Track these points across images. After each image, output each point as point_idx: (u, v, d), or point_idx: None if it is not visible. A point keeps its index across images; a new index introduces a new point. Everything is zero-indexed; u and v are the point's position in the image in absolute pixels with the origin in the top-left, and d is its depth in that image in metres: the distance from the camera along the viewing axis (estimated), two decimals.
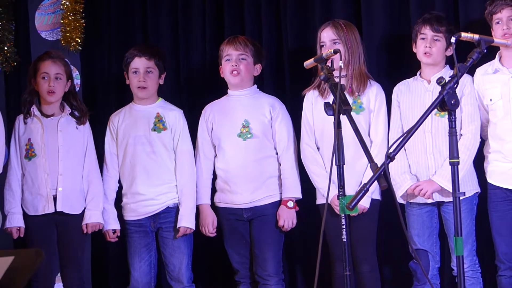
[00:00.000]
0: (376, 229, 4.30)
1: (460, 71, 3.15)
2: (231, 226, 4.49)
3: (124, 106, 4.70)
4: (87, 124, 4.60)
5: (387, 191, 3.40)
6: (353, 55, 4.27)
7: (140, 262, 4.54)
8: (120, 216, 4.58)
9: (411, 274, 4.22)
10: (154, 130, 4.55)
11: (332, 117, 3.27)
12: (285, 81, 4.80)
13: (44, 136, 4.49)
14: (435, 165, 4.14)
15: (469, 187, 4.14)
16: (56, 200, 4.44)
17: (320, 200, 4.35)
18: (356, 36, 4.30)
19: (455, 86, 3.15)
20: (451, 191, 3.18)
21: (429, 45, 4.17)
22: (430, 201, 4.17)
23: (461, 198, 3.18)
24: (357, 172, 4.20)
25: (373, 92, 4.30)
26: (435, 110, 3.18)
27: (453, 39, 3.23)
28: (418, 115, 3.24)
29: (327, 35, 4.30)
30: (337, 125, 3.26)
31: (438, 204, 4.20)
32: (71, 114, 4.58)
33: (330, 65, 3.47)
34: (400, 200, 4.20)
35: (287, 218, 4.41)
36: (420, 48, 4.20)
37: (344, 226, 3.32)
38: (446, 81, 3.16)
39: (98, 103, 5.14)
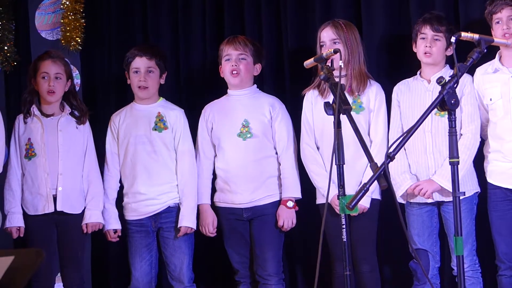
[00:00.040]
0: (376, 229, 4.30)
1: (460, 71, 3.15)
2: (231, 226, 4.49)
3: (124, 106, 4.70)
4: (87, 123, 4.60)
5: (387, 190, 3.40)
6: (353, 55, 4.27)
7: (141, 262, 4.53)
8: (121, 216, 4.58)
9: (411, 274, 4.22)
10: (155, 129, 4.55)
11: (332, 116, 3.27)
12: (285, 81, 4.80)
13: (44, 135, 4.49)
14: (435, 164, 4.14)
15: (469, 186, 4.14)
16: (56, 200, 4.44)
17: (320, 199, 4.35)
18: (356, 36, 4.31)
19: (455, 85, 3.15)
20: (451, 190, 3.18)
21: (429, 44, 4.17)
22: (430, 200, 4.17)
23: (461, 197, 3.18)
24: (357, 171, 4.20)
25: (373, 92, 4.30)
26: (435, 109, 3.18)
27: (453, 39, 3.23)
28: (418, 114, 3.24)
29: (327, 35, 4.30)
30: (337, 125, 3.26)
31: (438, 204, 4.20)
32: (71, 113, 4.58)
33: (330, 64, 3.47)
34: (400, 200, 4.20)
35: (287, 218, 4.41)
36: (420, 48, 4.20)
37: (344, 226, 3.32)
38: (446, 81, 3.16)
39: (98, 102, 5.14)
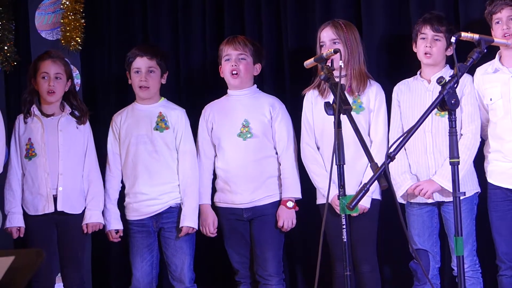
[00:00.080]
0: (376, 229, 4.30)
1: (460, 71, 3.15)
2: (231, 226, 4.49)
3: (124, 106, 4.70)
4: (87, 123, 4.60)
5: (387, 191, 3.40)
6: (353, 55, 4.27)
7: (142, 262, 4.53)
8: (123, 216, 4.58)
9: (412, 274, 4.22)
10: (157, 129, 4.55)
11: (332, 116, 3.27)
12: (285, 81, 4.80)
13: (44, 135, 4.49)
14: (435, 165, 4.14)
15: (469, 187, 4.14)
16: (56, 200, 4.44)
17: (320, 200, 4.35)
18: (356, 36, 4.31)
19: (455, 85, 3.15)
20: (451, 191, 3.18)
21: (429, 45, 4.17)
22: (430, 201, 4.17)
23: (461, 198, 3.18)
24: (357, 172, 4.20)
25: (373, 92, 4.30)
26: (435, 109, 3.18)
27: (453, 39, 3.23)
28: (418, 114, 3.24)
29: (327, 35, 4.30)
30: (337, 125, 3.26)
31: (439, 204, 4.20)
32: (71, 113, 4.58)
33: (330, 64, 3.47)
34: (400, 200, 4.20)
35: (287, 218, 4.40)
36: (420, 48, 4.20)
37: (344, 226, 3.32)
38: (446, 81, 3.16)
39: (98, 102, 5.14)
